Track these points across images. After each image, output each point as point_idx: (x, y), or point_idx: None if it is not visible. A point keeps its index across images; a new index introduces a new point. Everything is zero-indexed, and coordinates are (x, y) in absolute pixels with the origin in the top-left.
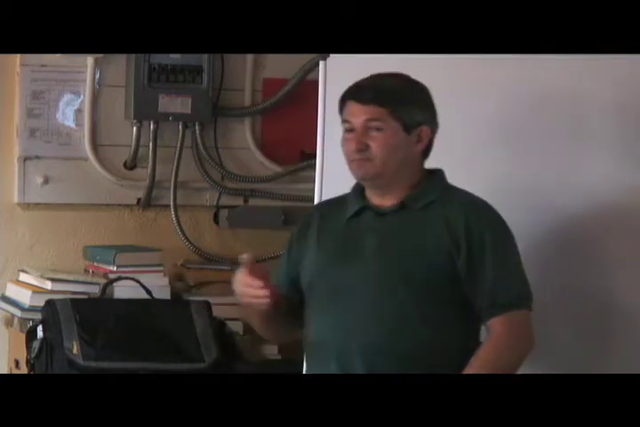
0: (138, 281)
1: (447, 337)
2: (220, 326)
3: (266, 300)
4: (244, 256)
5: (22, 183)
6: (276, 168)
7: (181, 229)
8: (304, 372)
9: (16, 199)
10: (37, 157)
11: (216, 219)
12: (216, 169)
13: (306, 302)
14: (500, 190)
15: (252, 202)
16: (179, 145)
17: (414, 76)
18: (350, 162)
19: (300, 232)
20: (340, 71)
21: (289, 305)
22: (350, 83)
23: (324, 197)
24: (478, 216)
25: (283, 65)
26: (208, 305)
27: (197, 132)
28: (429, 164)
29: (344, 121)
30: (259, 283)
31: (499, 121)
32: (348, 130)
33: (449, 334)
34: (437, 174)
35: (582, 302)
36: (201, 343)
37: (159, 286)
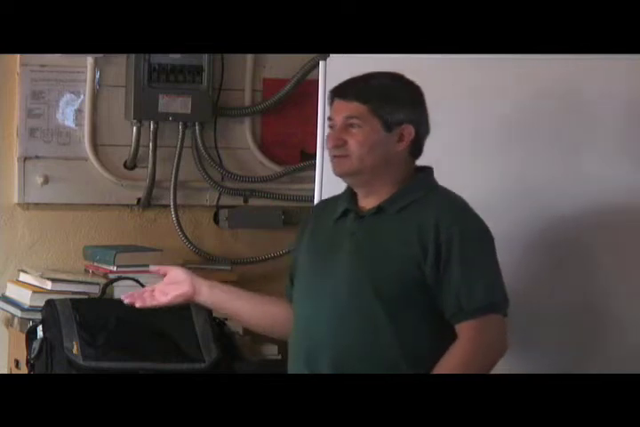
0: (138, 281)
1: (416, 340)
2: (220, 326)
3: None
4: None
5: (22, 183)
6: (276, 168)
7: (181, 229)
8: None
9: (16, 199)
10: (37, 157)
11: (216, 219)
12: (216, 169)
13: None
14: (494, 191)
15: (252, 202)
16: (179, 145)
17: (413, 76)
18: (330, 159)
19: (299, 231)
20: (340, 71)
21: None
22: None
23: (324, 197)
24: (449, 220)
25: (283, 65)
26: None
27: (197, 132)
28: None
29: (329, 118)
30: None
31: (495, 121)
32: (331, 127)
33: (418, 337)
34: (421, 175)
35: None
36: (201, 343)
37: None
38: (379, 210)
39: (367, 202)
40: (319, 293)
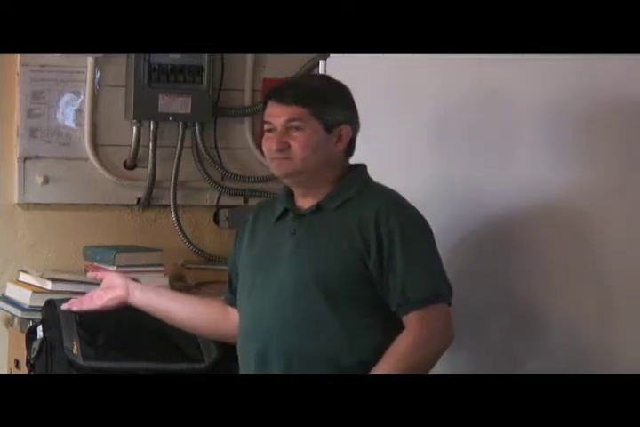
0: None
1: (363, 335)
2: None
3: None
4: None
5: (22, 183)
6: None
7: (181, 229)
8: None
9: (16, 199)
10: (37, 157)
11: (216, 219)
12: (216, 169)
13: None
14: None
15: (252, 202)
16: (179, 145)
17: (412, 76)
18: (270, 161)
19: (237, 234)
20: (340, 71)
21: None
22: (350, 83)
23: None
24: (389, 214)
25: (283, 65)
26: None
27: (197, 132)
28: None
29: (265, 122)
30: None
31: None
32: (269, 130)
33: (364, 332)
34: (356, 172)
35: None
36: (200, 343)
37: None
38: (318, 208)
39: (305, 201)
40: (264, 294)
